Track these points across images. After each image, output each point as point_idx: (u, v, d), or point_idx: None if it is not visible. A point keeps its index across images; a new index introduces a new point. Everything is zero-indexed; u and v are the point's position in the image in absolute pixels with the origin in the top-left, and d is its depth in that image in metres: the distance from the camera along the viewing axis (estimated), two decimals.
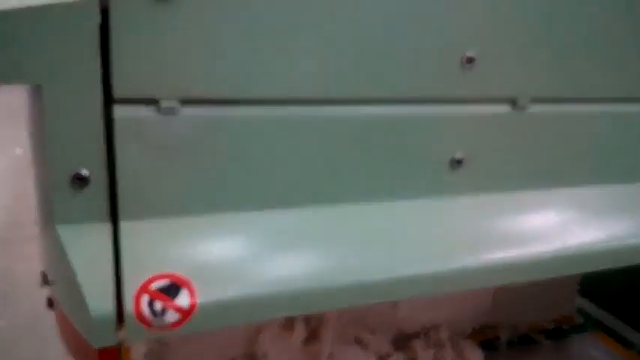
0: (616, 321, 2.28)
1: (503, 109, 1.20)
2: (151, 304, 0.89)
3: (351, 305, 1.12)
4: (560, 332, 2.22)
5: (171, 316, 0.90)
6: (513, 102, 1.20)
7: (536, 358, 2.14)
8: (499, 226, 1.24)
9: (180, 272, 0.93)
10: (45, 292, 1.22)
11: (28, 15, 0.82)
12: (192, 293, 0.92)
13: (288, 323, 1.70)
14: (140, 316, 0.88)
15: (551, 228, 1.27)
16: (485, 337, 2.11)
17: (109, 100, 0.90)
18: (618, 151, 1.38)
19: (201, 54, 0.93)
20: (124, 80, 0.90)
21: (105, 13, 0.86)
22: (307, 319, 1.73)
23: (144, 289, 0.89)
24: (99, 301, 0.87)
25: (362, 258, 1.07)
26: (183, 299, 0.91)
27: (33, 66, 0.84)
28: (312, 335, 1.75)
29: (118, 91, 0.90)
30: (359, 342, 1.85)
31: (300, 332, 1.68)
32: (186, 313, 0.91)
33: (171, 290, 0.91)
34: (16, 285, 2.73)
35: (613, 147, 1.37)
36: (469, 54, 1.10)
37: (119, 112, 0.91)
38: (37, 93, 0.88)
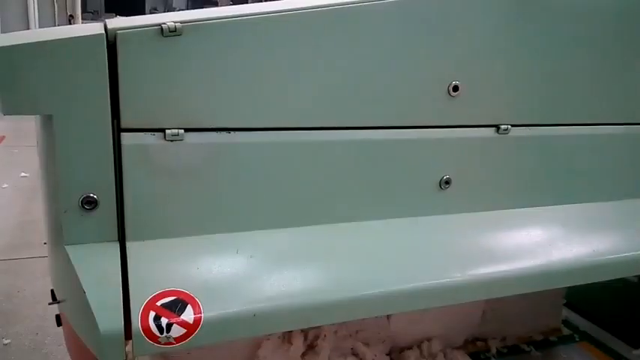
0: (601, 331, 2.30)
1: (488, 132, 1.24)
2: (157, 319, 0.90)
3: (347, 319, 1.12)
4: (548, 343, 2.23)
5: (177, 331, 0.91)
6: (496, 126, 1.24)
7: None
8: (487, 243, 1.25)
9: (185, 289, 0.94)
10: (52, 310, 1.21)
11: (39, 49, 0.85)
12: (196, 309, 0.92)
13: (287, 337, 1.69)
14: (147, 331, 0.89)
15: (537, 244, 1.28)
16: (476, 349, 2.12)
17: (117, 129, 0.93)
18: (597, 170, 1.42)
19: (204, 86, 0.96)
20: (131, 110, 0.93)
21: (113, 47, 0.89)
22: (305, 333, 1.73)
23: (150, 305, 0.90)
24: (107, 317, 0.88)
25: (358, 274, 1.08)
26: (188, 315, 0.91)
27: (44, 98, 0.86)
28: (310, 348, 1.74)
29: (126, 121, 0.93)
30: (355, 354, 1.84)
31: (298, 345, 1.67)
32: (191, 328, 0.91)
33: (177, 306, 0.92)
34: (21, 304, 2.70)
35: (592, 167, 1.41)
36: (454, 83, 1.14)
37: (127, 139, 0.94)
38: (48, 122, 0.91)
